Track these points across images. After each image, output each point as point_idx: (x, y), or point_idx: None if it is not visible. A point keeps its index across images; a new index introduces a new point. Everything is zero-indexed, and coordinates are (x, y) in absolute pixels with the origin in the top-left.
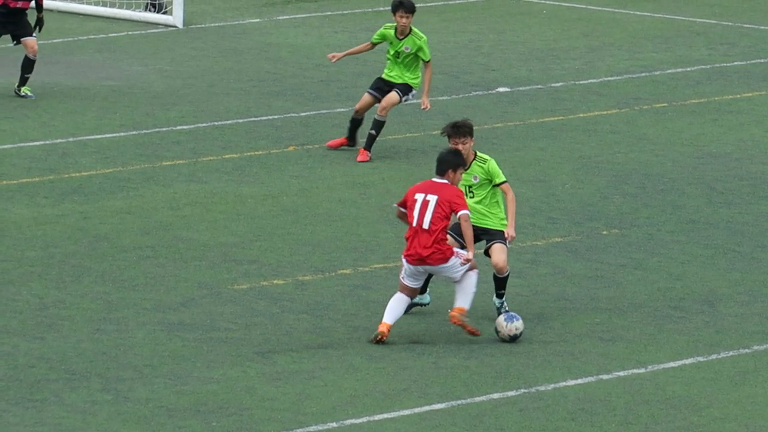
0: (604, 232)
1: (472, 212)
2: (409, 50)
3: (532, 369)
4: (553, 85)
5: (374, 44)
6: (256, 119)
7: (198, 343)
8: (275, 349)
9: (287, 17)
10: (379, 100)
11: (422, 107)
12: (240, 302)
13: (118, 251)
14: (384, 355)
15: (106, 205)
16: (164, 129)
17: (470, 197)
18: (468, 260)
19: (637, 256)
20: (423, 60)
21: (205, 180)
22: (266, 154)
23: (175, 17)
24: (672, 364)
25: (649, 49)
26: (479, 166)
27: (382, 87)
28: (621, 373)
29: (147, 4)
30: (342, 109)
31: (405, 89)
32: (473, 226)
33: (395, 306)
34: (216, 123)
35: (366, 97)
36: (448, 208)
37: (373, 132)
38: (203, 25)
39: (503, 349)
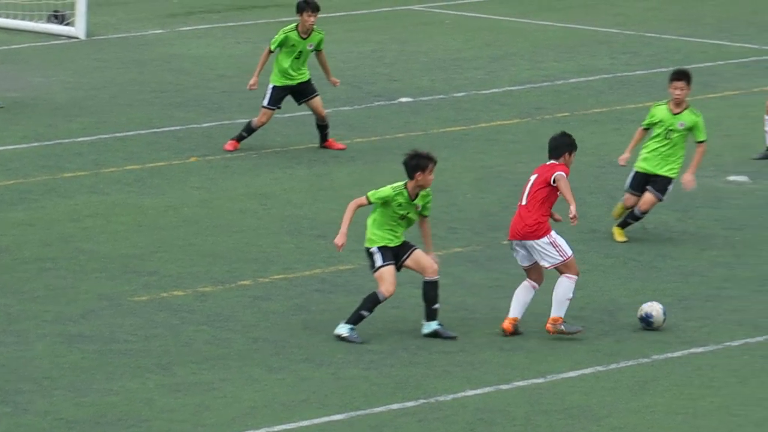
0: (505, 242)
1: None
2: (312, 47)
3: (432, 379)
4: (455, 95)
5: (272, 51)
6: (158, 130)
7: (98, 354)
8: (175, 360)
9: (190, 28)
10: (274, 110)
11: (335, 84)
12: (140, 314)
13: (18, 263)
14: (283, 367)
15: (7, 217)
16: (66, 140)
17: None
18: (575, 217)
19: None
20: (318, 51)
21: (106, 191)
22: (168, 166)
23: (78, 29)
24: (571, 374)
25: (552, 58)
26: None
27: (284, 95)
28: (521, 383)
29: (50, 15)
30: (244, 120)
31: (312, 85)
32: None
33: (519, 296)
34: (118, 134)
35: (269, 113)
36: (544, 180)
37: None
38: (106, 37)
39: (403, 359)
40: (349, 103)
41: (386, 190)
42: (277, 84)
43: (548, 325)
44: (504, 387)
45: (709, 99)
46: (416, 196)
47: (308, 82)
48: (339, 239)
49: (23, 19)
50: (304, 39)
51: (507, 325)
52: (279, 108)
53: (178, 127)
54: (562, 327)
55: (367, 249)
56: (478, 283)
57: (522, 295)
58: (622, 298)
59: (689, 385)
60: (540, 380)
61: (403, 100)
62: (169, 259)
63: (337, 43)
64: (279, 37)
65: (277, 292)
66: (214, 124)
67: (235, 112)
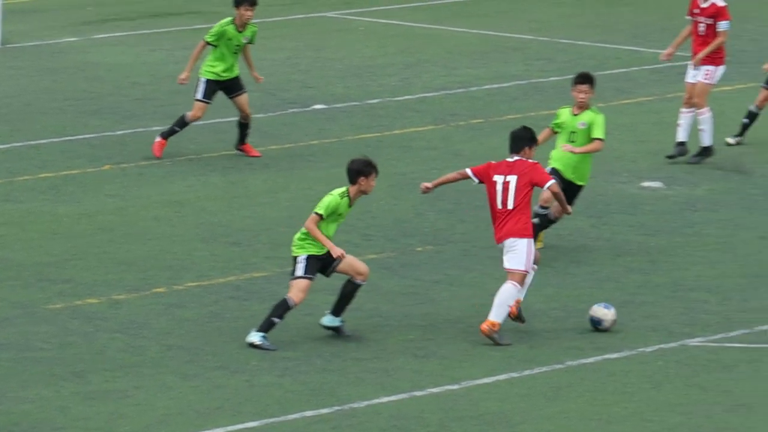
0: (419, 249)
1: None
2: (247, 40)
3: (346, 386)
4: (369, 101)
5: (208, 44)
6: (72, 138)
7: (11, 363)
8: (89, 368)
9: (104, 36)
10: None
11: (258, 80)
12: (54, 322)
13: None
14: (198, 374)
15: None
16: None
17: None
18: (568, 213)
19: (451, 272)
20: (249, 43)
21: (21, 200)
22: (82, 174)
23: None
24: (486, 380)
25: (466, 65)
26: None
27: (216, 89)
28: (434, 390)
29: None
30: (158, 127)
31: (240, 82)
32: None
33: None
34: (32, 142)
35: (203, 107)
36: (528, 184)
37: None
38: (20, 45)
39: (317, 366)
40: (263, 110)
41: (333, 199)
42: (210, 77)
43: (484, 326)
44: (418, 393)
45: (624, 105)
46: (354, 201)
47: (237, 77)
48: (336, 251)
49: None
50: (240, 32)
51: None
52: (210, 103)
53: (92, 135)
54: (496, 336)
55: (295, 257)
56: (392, 290)
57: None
58: (537, 305)
59: (603, 391)
60: (454, 387)
61: (318, 107)
62: (84, 267)
63: (251, 49)
64: (216, 29)
65: (191, 300)
66: (128, 131)
67: (149, 120)
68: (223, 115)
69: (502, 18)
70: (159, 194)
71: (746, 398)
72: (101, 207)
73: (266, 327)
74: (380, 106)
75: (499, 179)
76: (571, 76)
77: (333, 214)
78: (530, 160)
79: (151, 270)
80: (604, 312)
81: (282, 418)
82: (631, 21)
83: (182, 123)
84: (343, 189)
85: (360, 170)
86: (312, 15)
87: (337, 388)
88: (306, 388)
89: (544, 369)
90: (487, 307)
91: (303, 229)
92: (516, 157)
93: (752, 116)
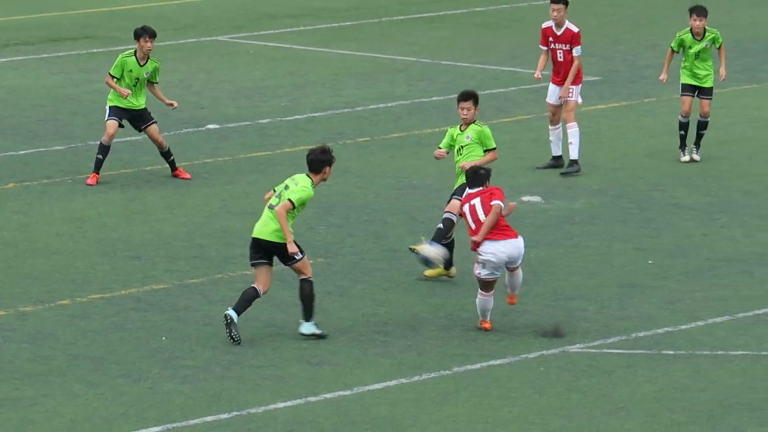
0: (311, 262)
1: None
2: (148, 75)
3: (244, 392)
4: (260, 121)
5: (113, 77)
6: None
7: None
8: None
9: (5, 60)
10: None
11: (172, 106)
12: None
13: None
14: (102, 382)
15: None
16: None
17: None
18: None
19: (342, 283)
20: (153, 82)
21: None
22: None
23: None
24: (377, 386)
25: (352, 86)
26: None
27: (123, 116)
28: (328, 395)
29: None
30: (59, 147)
31: (148, 113)
32: None
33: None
34: None
35: (113, 124)
36: (489, 198)
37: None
38: None
39: (216, 374)
40: (162, 129)
41: (308, 191)
42: (115, 104)
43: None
44: (312, 399)
45: (503, 123)
46: None
47: (144, 109)
48: (291, 247)
49: None
50: (142, 66)
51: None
52: (121, 123)
53: None
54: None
55: (282, 244)
56: (286, 301)
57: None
58: (424, 314)
59: (488, 395)
60: (347, 392)
61: (211, 126)
62: None
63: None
64: (118, 61)
65: (94, 311)
66: (30, 151)
67: (50, 140)
68: (121, 135)
69: (387, 41)
70: (61, 211)
71: (624, 402)
72: (5, 223)
73: (311, 314)
74: (271, 126)
75: (466, 208)
76: (453, 96)
77: (302, 206)
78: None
79: (56, 283)
80: (430, 249)
81: (184, 423)
82: (509, 43)
83: (103, 149)
84: (309, 180)
85: (326, 160)
86: (203, 39)
87: (235, 395)
88: (206, 394)
89: (432, 375)
90: (377, 316)
91: (270, 213)
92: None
93: (684, 126)
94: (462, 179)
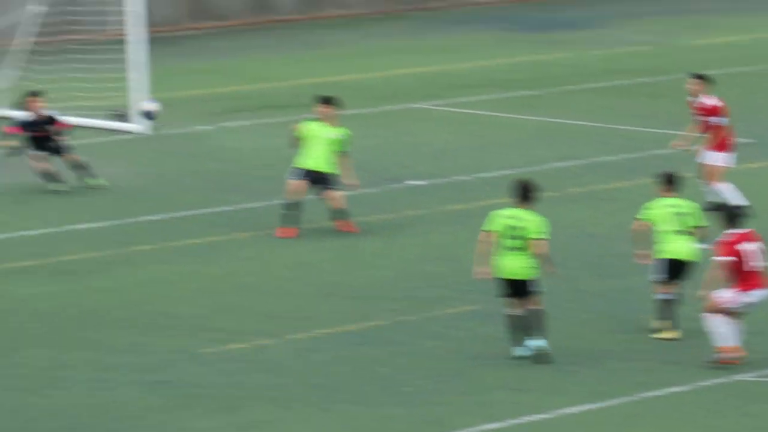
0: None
1: None
2: (335, 136)
3: (453, 416)
4: (454, 178)
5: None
6: (211, 210)
7: (175, 398)
8: (241, 403)
9: (232, 124)
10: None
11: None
12: (209, 363)
13: (105, 322)
14: (330, 407)
15: (92, 284)
16: (135, 220)
17: None
18: None
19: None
20: (342, 151)
21: (172, 262)
22: (222, 240)
23: (140, 126)
24: (572, 410)
25: (535, 146)
26: None
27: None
28: (530, 418)
29: (112, 114)
30: (280, 201)
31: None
32: None
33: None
34: (179, 214)
35: (298, 183)
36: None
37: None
38: (164, 133)
39: (428, 399)
40: (367, 186)
41: (542, 219)
42: (299, 166)
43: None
44: (515, 422)
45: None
46: None
47: (330, 174)
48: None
49: (93, 118)
50: (326, 129)
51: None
52: (304, 180)
53: (228, 208)
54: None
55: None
56: (490, 335)
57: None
58: (609, 347)
59: (669, 418)
60: (546, 416)
61: (410, 182)
62: (230, 318)
63: (355, 138)
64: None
65: (321, 345)
66: (258, 204)
67: (274, 195)
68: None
69: (563, 108)
70: (288, 257)
71: None
72: (243, 268)
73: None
74: (463, 182)
75: (749, 246)
76: (626, 156)
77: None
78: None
79: (287, 320)
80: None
81: None
82: (670, 110)
83: (289, 205)
84: (531, 212)
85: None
86: (402, 106)
87: (446, 418)
88: (419, 417)
89: (618, 400)
90: (569, 348)
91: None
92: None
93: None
94: None
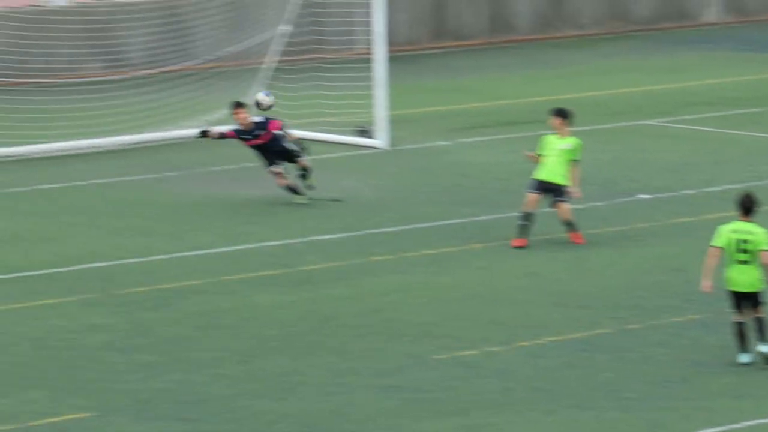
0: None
1: None
2: (567, 147)
3: (677, 420)
4: (684, 192)
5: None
6: (447, 222)
7: (407, 402)
8: (470, 406)
9: (469, 140)
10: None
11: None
12: (440, 369)
13: (341, 329)
14: (555, 410)
15: (330, 293)
16: (374, 231)
17: None
18: None
19: None
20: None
21: (407, 272)
22: (456, 251)
23: (381, 141)
24: None
25: (763, 162)
26: None
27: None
28: (750, 423)
29: (356, 130)
30: (514, 214)
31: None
32: None
33: None
34: (415, 226)
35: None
36: None
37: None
38: (403, 148)
39: (652, 404)
40: (599, 199)
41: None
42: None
43: None
44: (736, 426)
45: None
46: None
47: (562, 185)
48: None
49: (337, 134)
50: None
51: None
52: (539, 193)
53: (463, 220)
54: None
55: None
56: (711, 344)
57: None
58: None
59: None
60: (765, 420)
61: (641, 196)
62: (461, 326)
63: (586, 152)
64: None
65: (548, 352)
66: (492, 217)
67: (507, 208)
68: (576, 202)
69: None
70: (519, 267)
71: None
72: (472, 277)
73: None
74: (693, 196)
75: None
76: None
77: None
78: None
79: (516, 328)
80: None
81: None
82: None
83: (524, 216)
84: (757, 225)
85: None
86: (634, 123)
87: (669, 422)
88: (644, 421)
89: None
90: None
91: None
92: None
93: None
94: None
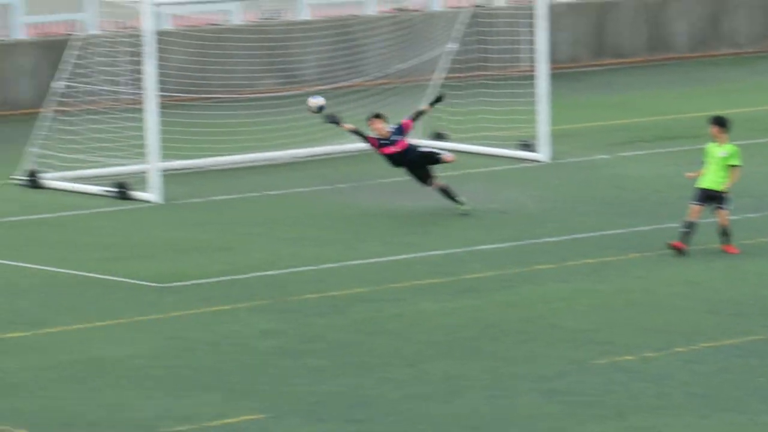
0: None
1: None
2: (725, 154)
3: None
4: None
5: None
6: (606, 233)
7: (568, 405)
8: (628, 410)
9: (629, 154)
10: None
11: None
12: (599, 374)
13: (504, 335)
14: (710, 414)
15: (493, 300)
16: (536, 241)
17: None
18: None
19: None
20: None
21: (568, 280)
22: (614, 260)
23: (543, 155)
24: None
25: None
26: None
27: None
28: None
29: (521, 144)
30: (672, 224)
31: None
32: None
33: None
34: (576, 236)
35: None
36: None
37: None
38: (564, 161)
39: None
40: (754, 211)
41: None
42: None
43: None
44: None
45: None
46: None
47: (722, 192)
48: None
49: (502, 147)
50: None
51: None
52: (702, 205)
53: (621, 231)
54: None
55: None
56: None
57: None
58: None
59: None
60: None
61: None
62: (620, 332)
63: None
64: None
65: (704, 357)
66: (650, 227)
67: (666, 219)
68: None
69: None
70: (677, 275)
71: None
72: (631, 286)
73: None
74: None
75: None
76: None
77: None
78: None
79: (672, 334)
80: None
81: None
82: None
83: (687, 225)
84: None
85: None
86: None
87: None
88: None
89: None
90: None
91: None
92: None
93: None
94: None
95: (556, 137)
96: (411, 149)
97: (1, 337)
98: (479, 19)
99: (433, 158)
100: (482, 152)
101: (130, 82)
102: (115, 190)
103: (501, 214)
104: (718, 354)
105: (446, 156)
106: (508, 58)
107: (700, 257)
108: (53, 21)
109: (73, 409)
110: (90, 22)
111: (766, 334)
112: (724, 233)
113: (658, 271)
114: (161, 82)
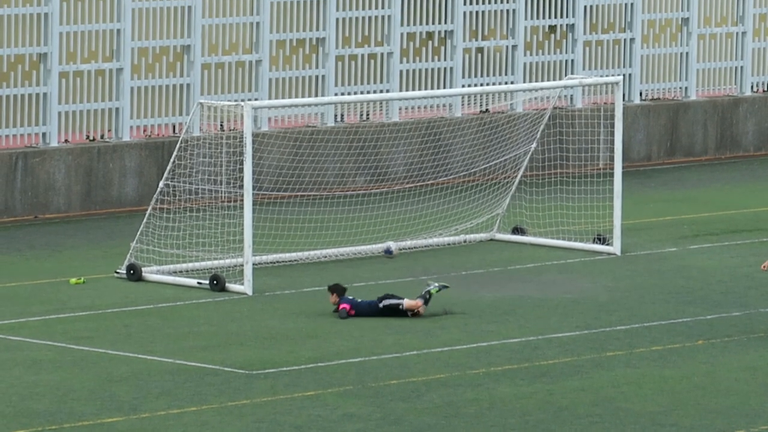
0: None
1: None
2: None
3: None
4: None
5: None
6: (674, 321)
7: None
8: None
9: (696, 246)
10: None
11: None
12: None
13: (575, 418)
14: None
15: (566, 385)
16: (608, 329)
17: None
18: None
19: None
20: None
21: (637, 365)
22: (682, 347)
23: (615, 248)
24: None
25: None
26: None
27: None
28: None
29: (594, 238)
30: (737, 313)
31: None
32: None
33: None
34: (645, 324)
35: None
36: None
37: None
38: (635, 253)
39: None
40: None
41: None
42: None
43: None
44: None
45: None
46: None
47: None
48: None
49: (576, 241)
50: None
51: None
52: None
53: (688, 319)
54: None
55: None
56: None
57: None
58: None
59: None
60: None
61: None
62: (685, 414)
63: None
64: None
65: None
66: (715, 316)
67: (730, 308)
68: None
69: None
70: (738, 361)
71: None
72: (696, 371)
73: None
74: None
75: None
76: None
77: None
78: None
79: (734, 416)
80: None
81: None
82: None
83: None
84: None
85: None
86: None
87: None
88: None
89: None
90: None
91: None
92: None
93: None
94: None
95: (628, 231)
96: (362, 308)
97: (97, 422)
98: (558, 120)
99: (394, 310)
100: (559, 246)
101: (229, 180)
102: (211, 282)
103: (574, 303)
104: None
105: (408, 304)
106: (586, 156)
107: (763, 343)
108: (158, 123)
109: None
110: (192, 124)
111: None
112: None
113: (723, 357)
114: (257, 180)
